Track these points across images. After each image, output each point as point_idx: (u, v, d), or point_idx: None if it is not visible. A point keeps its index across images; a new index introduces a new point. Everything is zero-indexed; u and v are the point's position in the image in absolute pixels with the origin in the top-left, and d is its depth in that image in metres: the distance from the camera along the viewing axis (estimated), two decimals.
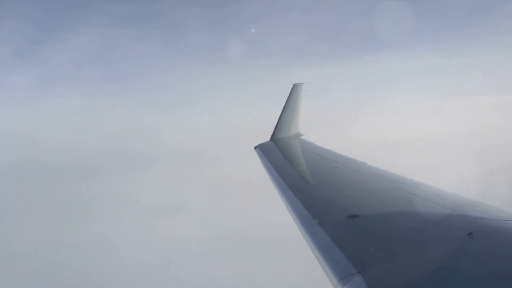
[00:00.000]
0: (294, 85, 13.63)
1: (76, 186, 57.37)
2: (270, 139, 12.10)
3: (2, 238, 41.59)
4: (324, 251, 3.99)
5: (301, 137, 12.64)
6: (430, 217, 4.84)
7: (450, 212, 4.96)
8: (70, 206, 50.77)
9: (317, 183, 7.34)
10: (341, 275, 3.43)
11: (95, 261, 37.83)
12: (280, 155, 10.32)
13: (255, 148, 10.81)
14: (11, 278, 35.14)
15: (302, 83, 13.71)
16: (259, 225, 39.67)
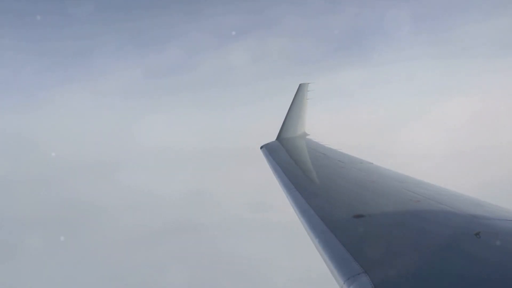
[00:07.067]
0: (300, 84, 13.57)
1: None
2: (276, 139, 12.09)
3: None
4: (330, 250, 4.00)
5: (307, 137, 12.62)
6: (436, 218, 4.83)
7: (457, 212, 4.94)
8: None
9: (323, 183, 7.33)
10: (347, 275, 3.43)
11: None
12: (286, 155, 10.30)
13: (261, 148, 10.81)
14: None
15: (308, 83, 13.65)
16: (263, 224, 39.61)
